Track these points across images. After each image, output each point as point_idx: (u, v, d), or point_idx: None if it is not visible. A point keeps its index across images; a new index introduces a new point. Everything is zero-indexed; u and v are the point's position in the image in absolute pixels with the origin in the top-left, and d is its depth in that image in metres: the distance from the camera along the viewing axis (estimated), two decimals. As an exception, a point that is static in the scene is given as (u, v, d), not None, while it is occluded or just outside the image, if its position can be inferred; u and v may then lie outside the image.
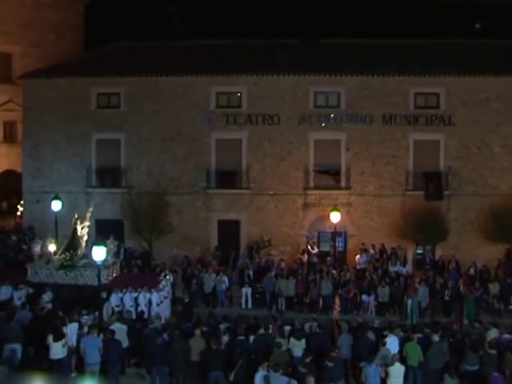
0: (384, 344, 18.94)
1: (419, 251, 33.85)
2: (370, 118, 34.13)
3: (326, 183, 34.79)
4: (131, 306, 24.28)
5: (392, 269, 30.52)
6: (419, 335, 20.15)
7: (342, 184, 34.50)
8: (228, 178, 35.04)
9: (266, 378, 16.61)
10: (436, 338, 19.57)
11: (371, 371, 17.57)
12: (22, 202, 39.33)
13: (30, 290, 24.83)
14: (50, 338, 18.74)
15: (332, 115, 34.38)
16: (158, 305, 24.92)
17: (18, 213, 43.24)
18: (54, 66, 37.75)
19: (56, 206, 30.28)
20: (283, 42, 38.16)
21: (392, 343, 19.26)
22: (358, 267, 31.31)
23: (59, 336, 18.86)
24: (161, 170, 35.10)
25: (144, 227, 33.34)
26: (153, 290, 25.11)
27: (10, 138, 47.66)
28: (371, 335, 20.13)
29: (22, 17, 47.16)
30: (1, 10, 46.23)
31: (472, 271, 30.00)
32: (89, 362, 18.84)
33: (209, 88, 34.84)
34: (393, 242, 32.82)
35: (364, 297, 28.12)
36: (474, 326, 23.92)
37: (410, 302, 27.11)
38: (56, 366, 18.89)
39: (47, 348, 18.87)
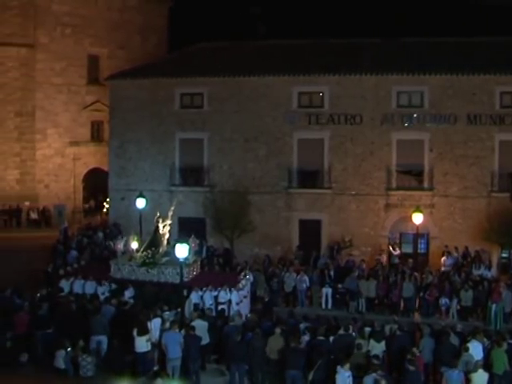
0: (467, 349, 18.53)
1: (504, 255, 32.88)
2: (453, 117, 33.44)
3: (408, 184, 34.29)
4: (211, 305, 24.54)
5: (476, 272, 29.79)
6: (511, 341, 19.58)
7: (425, 185, 33.94)
8: (310, 178, 35.03)
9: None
10: (522, 345, 19.03)
11: (454, 376, 17.24)
12: (107, 200, 40.40)
13: (113, 286, 25.52)
14: (135, 332, 19.22)
15: (415, 115, 33.85)
16: (237, 304, 25.13)
17: (104, 210, 44.51)
18: (139, 67, 38.71)
19: (140, 203, 30.94)
20: (365, 41, 37.91)
21: (475, 349, 18.81)
22: (443, 269, 30.72)
23: (143, 330, 19.32)
24: (243, 170, 35.39)
25: (226, 226, 33.65)
26: (233, 289, 25.35)
27: (97, 138, 49.17)
28: (454, 340, 19.74)
29: (109, 20, 48.58)
30: (89, 13, 47.77)
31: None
32: (170, 356, 19.23)
33: (291, 88, 34.90)
34: (476, 244, 32.04)
35: (442, 300, 27.55)
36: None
37: (494, 306, 26.41)
38: (140, 359, 19.38)
39: (132, 341, 19.36)
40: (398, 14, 49.25)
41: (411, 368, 17.34)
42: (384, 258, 32.09)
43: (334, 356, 18.63)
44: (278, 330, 19.73)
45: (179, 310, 22.21)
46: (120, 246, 27.07)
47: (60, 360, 18.46)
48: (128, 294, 24.48)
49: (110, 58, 48.48)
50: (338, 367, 16.99)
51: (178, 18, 51.80)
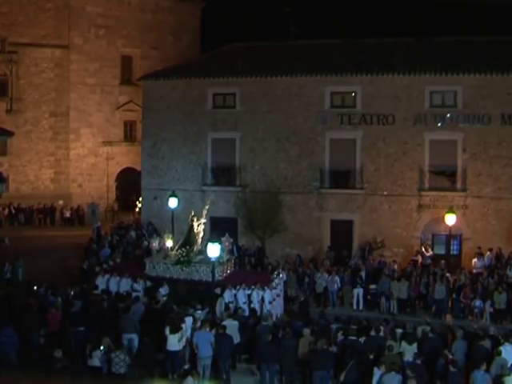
0: (499, 353, 18.29)
1: (539, 256, 32.49)
2: (487, 117, 33.08)
3: (441, 184, 34.01)
4: (244, 303, 24.58)
5: (510, 274, 29.43)
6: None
7: (458, 186, 33.63)
8: (342, 178, 34.95)
9: (381, 377, 16.58)
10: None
11: (478, 377, 17.08)
12: (140, 199, 40.69)
13: (148, 283, 25.75)
14: (167, 330, 19.34)
15: (448, 115, 33.57)
16: (270, 303, 25.15)
17: (137, 209, 44.86)
18: (172, 68, 39.01)
19: (173, 203, 31.18)
20: (398, 40, 37.57)
21: (508, 352, 18.57)
22: (474, 271, 30.43)
23: (176, 329, 19.42)
24: (275, 170, 35.42)
25: (257, 225, 33.77)
26: (266, 287, 25.38)
27: (129, 137, 49.68)
28: (487, 343, 19.50)
29: (142, 21, 49.08)
30: (122, 15, 48.31)
31: None
32: (201, 355, 19.26)
33: (323, 88, 34.83)
34: (510, 246, 31.71)
35: (476, 303, 27.27)
36: None
37: (528, 308, 26.10)
38: (171, 358, 19.47)
39: (163, 339, 19.47)
40: (429, 13, 48.96)
41: (453, 369, 17.20)
42: (420, 259, 31.84)
43: (365, 357, 18.55)
44: (308, 331, 19.69)
45: (211, 308, 22.31)
46: (155, 244, 27.28)
47: (96, 360, 18.67)
48: (163, 291, 24.63)
49: (143, 59, 48.91)
50: (375, 369, 16.89)
51: (210, 19, 52.05)
